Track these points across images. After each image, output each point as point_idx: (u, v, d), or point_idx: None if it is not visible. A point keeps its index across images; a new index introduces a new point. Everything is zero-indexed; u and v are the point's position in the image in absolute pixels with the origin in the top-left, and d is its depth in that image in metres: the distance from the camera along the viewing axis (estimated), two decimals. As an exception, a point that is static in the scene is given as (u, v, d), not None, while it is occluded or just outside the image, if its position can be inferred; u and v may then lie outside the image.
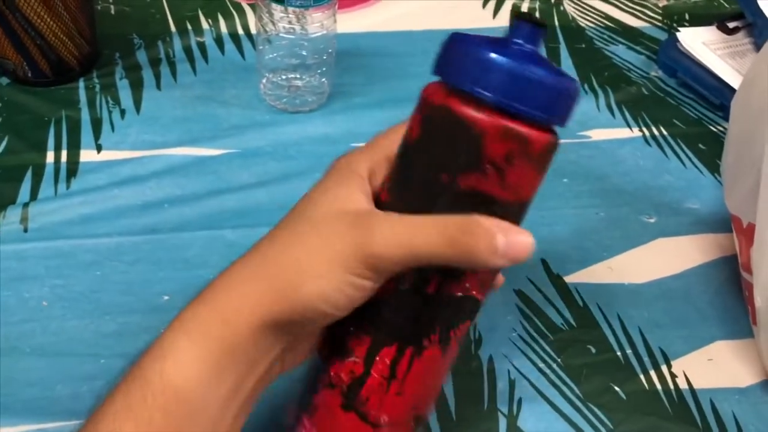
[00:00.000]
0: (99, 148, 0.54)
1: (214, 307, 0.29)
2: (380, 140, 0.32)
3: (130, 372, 0.29)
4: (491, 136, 0.27)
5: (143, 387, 0.28)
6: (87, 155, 0.54)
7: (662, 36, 0.70)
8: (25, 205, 0.50)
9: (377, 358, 0.30)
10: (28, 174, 0.52)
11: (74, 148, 0.54)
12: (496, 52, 0.27)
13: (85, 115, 0.57)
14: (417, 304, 0.30)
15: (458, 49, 0.28)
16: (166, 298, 0.45)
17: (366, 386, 0.31)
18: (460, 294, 0.30)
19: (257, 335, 0.29)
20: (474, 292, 0.30)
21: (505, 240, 0.28)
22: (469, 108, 0.27)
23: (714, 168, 0.57)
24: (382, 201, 0.30)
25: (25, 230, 0.48)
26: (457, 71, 0.28)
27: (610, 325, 0.47)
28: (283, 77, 0.58)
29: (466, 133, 0.27)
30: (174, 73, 0.61)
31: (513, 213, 0.29)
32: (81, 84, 0.59)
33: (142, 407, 0.28)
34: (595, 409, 0.42)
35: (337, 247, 0.28)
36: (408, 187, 0.30)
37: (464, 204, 0.28)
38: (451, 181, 0.28)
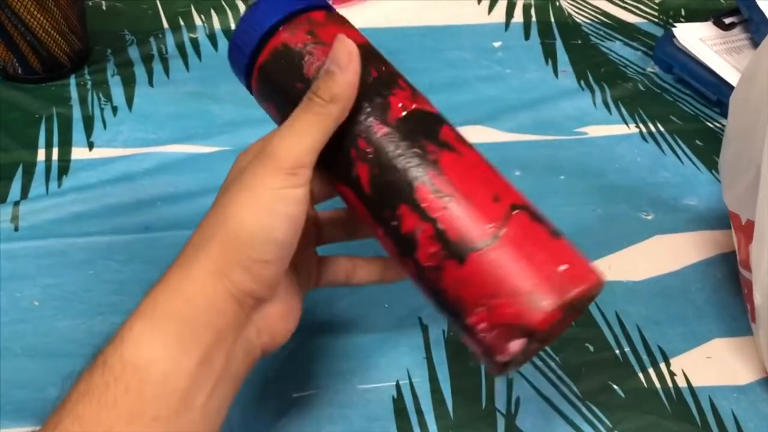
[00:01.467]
0: (91, 146, 0.54)
1: (173, 291, 0.30)
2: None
3: (93, 361, 0.29)
4: None
5: (105, 372, 0.28)
6: (79, 153, 0.53)
7: (658, 32, 0.70)
8: (16, 203, 0.49)
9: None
10: (19, 172, 0.51)
11: (66, 145, 0.53)
12: None
13: (76, 113, 0.56)
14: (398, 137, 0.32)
15: None
16: (159, 297, 0.44)
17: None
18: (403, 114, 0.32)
19: (218, 304, 0.30)
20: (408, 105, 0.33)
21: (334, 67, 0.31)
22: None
23: (711, 164, 0.57)
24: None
25: (16, 229, 0.48)
26: None
27: (608, 323, 0.46)
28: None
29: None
30: (167, 70, 0.61)
31: None
32: (72, 81, 0.59)
33: (104, 391, 0.28)
34: (594, 408, 0.42)
35: (255, 181, 0.30)
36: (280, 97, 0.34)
37: None
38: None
